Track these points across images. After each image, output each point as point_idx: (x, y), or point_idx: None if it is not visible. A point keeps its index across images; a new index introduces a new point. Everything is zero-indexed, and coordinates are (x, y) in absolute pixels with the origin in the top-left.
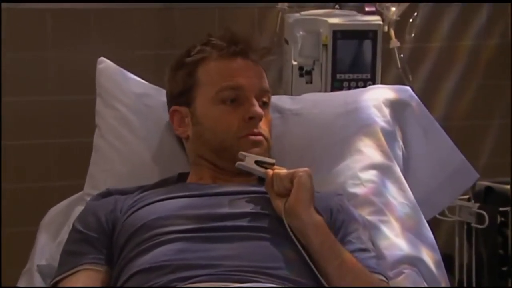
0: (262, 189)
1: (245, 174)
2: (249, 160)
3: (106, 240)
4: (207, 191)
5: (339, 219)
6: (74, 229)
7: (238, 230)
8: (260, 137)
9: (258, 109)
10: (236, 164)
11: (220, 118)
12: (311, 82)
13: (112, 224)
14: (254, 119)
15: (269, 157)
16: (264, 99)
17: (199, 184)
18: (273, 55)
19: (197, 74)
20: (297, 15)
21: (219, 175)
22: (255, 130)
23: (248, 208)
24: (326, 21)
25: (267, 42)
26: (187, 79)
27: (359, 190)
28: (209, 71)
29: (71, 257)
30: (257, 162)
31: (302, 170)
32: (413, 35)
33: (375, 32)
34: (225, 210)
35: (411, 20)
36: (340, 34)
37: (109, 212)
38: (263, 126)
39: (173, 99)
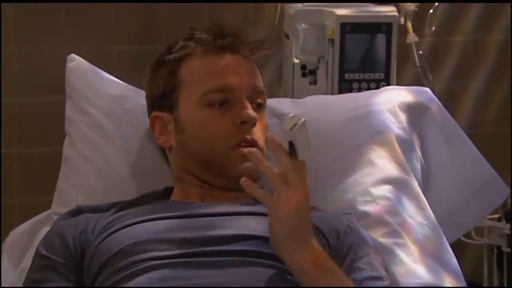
0: (257, 208)
1: (238, 190)
2: None
3: (74, 265)
4: (194, 211)
5: (347, 242)
6: (37, 254)
7: (230, 255)
8: (253, 149)
9: (251, 112)
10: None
11: (206, 123)
12: (315, 83)
13: (81, 248)
14: (247, 123)
15: None
16: (259, 100)
17: (185, 203)
18: (269, 49)
19: (180, 73)
20: (299, 5)
21: (207, 191)
22: (248, 137)
23: (241, 230)
24: (332, 12)
25: (264, 37)
26: (169, 80)
27: (371, 208)
28: (193, 70)
29: (34, 286)
30: None
31: (275, 197)
32: (433, 28)
33: (389, 25)
34: (215, 232)
35: (431, 11)
36: (349, 27)
37: (78, 234)
38: (257, 133)
39: (153, 104)
